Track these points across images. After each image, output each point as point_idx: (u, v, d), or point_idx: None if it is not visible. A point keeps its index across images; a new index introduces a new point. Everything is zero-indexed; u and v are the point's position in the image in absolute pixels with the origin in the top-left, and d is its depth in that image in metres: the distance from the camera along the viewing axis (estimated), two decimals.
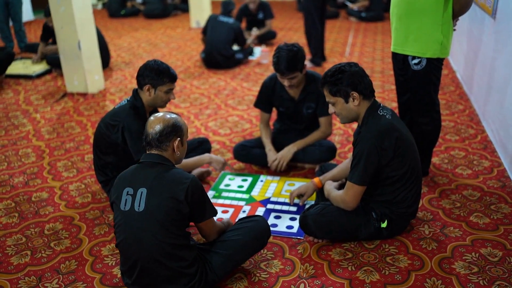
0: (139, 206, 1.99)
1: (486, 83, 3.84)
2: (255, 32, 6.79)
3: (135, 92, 2.79)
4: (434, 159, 3.34)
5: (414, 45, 2.82)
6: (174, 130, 2.08)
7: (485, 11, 3.98)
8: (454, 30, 2.91)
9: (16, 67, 6.12)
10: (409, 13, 2.80)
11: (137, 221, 1.99)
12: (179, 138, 2.10)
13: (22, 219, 2.86)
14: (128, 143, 2.71)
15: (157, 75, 2.69)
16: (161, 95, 2.74)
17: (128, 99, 2.81)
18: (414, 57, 2.84)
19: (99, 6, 11.33)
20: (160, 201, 1.97)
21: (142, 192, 2.00)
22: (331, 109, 2.47)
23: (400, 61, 2.98)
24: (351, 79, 2.33)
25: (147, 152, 2.10)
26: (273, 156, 3.21)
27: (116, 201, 2.06)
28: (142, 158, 2.11)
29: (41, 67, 6.01)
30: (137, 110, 2.75)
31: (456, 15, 2.80)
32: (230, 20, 5.93)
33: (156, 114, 2.11)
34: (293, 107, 3.29)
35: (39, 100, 4.95)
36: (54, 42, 5.85)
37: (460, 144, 3.58)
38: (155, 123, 2.07)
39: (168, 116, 2.09)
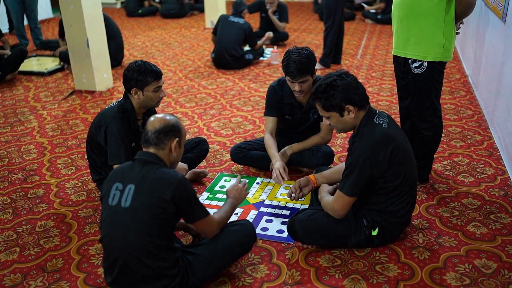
0: (125, 201, 1.99)
1: (494, 88, 3.72)
2: (269, 34, 6.70)
3: (126, 94, 2.77)
4: (436, 165, 3.25)
5: (416, 48, 2.75)
6: (173, 130, 2.09)
7: (495, 14, 3.86)
8: (458, 33, 2.82)
9: (30, 64, 6.21)
10: (411, 16, 2.73)
11: (122, 216, 1.99)
12: (177, 139, 2.11)
13: (16, 215, 2.87)
14: (107, 146, 2.69)
15: (140, 76, 2.65)
16: (150, 95, 2.71)
17: (120, 100, 2.80)
18: (415, 60, 2.77)
19: (118, 5, 11.43)
20: (146, 198, 1.97)
21: (130, 188, 2.00)
22: (325, 121, 2.39)
23: (401, 64, 2.91)
24: (345, 93, 2.23)
25: (144, 149, 2.10)
26: (279, 164, 2.93)
27: (105, 195, 2.08)
28: (137, 155, 2.11)
29: (54, 64, 6.08)
30: (125, 113, 2.73)
31: (458, 18, 2.71)
32: (241, 21, 5.90)
33: (157, 115, 2.14)
34: (301, 114, 3.17)
35: (47, 97, 5.01)
36: None
37: (465, 151, 3.47)
38: (156, 122, 2.09)
39: (168, 117, 2.12)
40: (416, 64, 2.77)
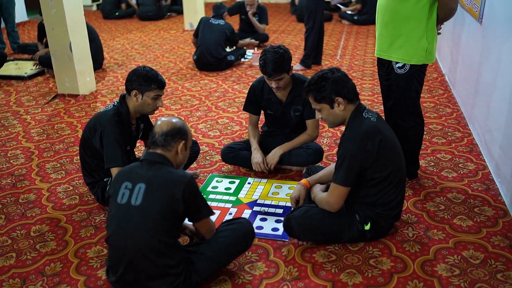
0: (136, 200, 2.04)
1: (473, 87, 3.87)
2: (254, 42, 6.81)
3: (122, 98, 2.80)
4: (421, 162, 3.36)
5: (400, 51, 2.84)
6: (180, 133, 2.16)
7: (472, 15, 4.01)
8: (439, 34, 2.94)
9: (8, 68, 6.12)
10: (395, 20, 2.82)
11: (132, 214, 2.03)
12: (183, 141, 2.18)
13: (9, 221, 2.86)
14: (104, 149, 2.72)
15: (145, 80, 2.70)
16: (148, 101, 2.75)
17: (115, 103, 2.82)
18: (398, 61, 2.87)
19: (94, 7, 11.32)
20: (157, 197, 2.02)
21: (140, 187, 2.05)
22: (317, 115, 2.49)
23: (385, 65, 3.01)
24: (335, 85, 2.36)
25: (151, 151, 2.15)
26: (257, 155, 3.23)
27: (113, 195, 2.11)
28: (144, 155, 2.16)
29: (30, 69, 6.01)
30: (120, 116, 2.76)
31: (440, 22, 2.83)
32: (222, 22, 5.96)
33: (164, 118, 2.21)
34: (281, 110, 3.31)
35: (30, 102, 4.96)
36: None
37: (447, 147, 3.61)
38: (163, 124, 2.16)
39: (175, 120, 2.20)
40: (400, 64, 2.87)
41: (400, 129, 3.02)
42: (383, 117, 3.22)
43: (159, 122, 2.19)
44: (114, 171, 2.69)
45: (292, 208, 2.76)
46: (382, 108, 4.20)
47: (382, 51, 2.94)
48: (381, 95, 3.23)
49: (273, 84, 3.12)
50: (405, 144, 3.03)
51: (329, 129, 4.03)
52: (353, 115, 2.41)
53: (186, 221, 2.67)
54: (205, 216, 2.18)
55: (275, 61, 3.03)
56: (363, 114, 2.41)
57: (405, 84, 2.89)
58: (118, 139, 2.70)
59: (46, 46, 6.00)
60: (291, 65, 3.14)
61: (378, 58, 3.05)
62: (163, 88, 2.78)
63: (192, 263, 2.17)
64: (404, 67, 2.85)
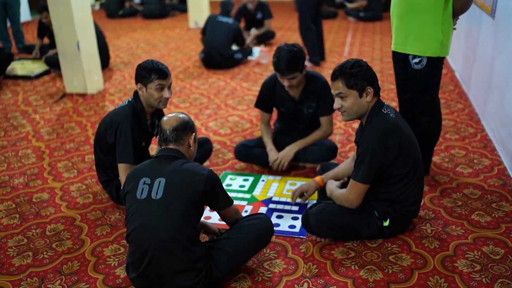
0: (156, 194, 2.04)
1: (485, 82, 3.84)
2: (254, 32, 6.79)
3: (136, 94, 2.78)
4: (435, 158, 3.35)
5: (415, 44, 2.83)
6: (189, 126, 2.20)
7: (484, 10, 3.99)
8: (454, 29, 2.92)
9: (14, 68, 6.10)
10: (410, 12, 2.81)
11: (153, 209, 2.03)
12: (194, 133, 2.21)
13: (23, 220, 2.85)
14: (117, 143, 2.70)
15: (145, 72, 2.67)
16: (152, 93, 2.69)
17: (129, 100, 2.80)
18: (414, 56, 2.85)
19: (97, 7, 11.31)
20: (179, 190, 2.03)
21: (160, 181, 2.06)
22: (337, 103, 2.40)
23: (400, 60, 2.98)
24: (368, 73, 2.35)
25: (164, 147, 2.17)
26: (274, 155, 3.20)
27: (131, 190, 2.11)
28: (159, 152, 2.17)
29: (40, 67, 5.99)
30: (136, 112, 2.74)
31: (456, 14, 2.81)
32: (230, 20, 5.94)
33: (170, 114, 2.22)
34: (294, 107, 3.29)
35: (38, 101, 4.95)
36: (49, 37, 5.91)
37: (460, 143, 3.59)
38: (171, 120, 2.18)
39: (182, 115, 2.23)
40: (416, 60, 2.85)
41: (417, 124, 2.99)
42: (399, 112, 3.21)
43: (165, 119, 2.20)
44: (122, 167, 2.66)
45: (292, 201, 2.84)
46: (394, 104, 4.21)
47: (398, 44, 2.92)
48: (392, 90, 3.21)
49: (285, 83, 3.09)
50: (421, 139, 2.99)
51: (341, 126, 4.01)
52: (372, 110, 2.39)
53: None
54: (226, 206, 2.21)
55: (289, 58, 3.01)
56: (383, 109, 2.39)
57: (423, 79, 2.87)
58: (133, 135, 2.69)
59: (50, 45, 6.00)
60: (305, 64, 3.12)
61: (393, 52, 3.02)
62: (164, 77, 2.68)
63: (212, 258, 2.16)
64: (421, 62, 2.83)
